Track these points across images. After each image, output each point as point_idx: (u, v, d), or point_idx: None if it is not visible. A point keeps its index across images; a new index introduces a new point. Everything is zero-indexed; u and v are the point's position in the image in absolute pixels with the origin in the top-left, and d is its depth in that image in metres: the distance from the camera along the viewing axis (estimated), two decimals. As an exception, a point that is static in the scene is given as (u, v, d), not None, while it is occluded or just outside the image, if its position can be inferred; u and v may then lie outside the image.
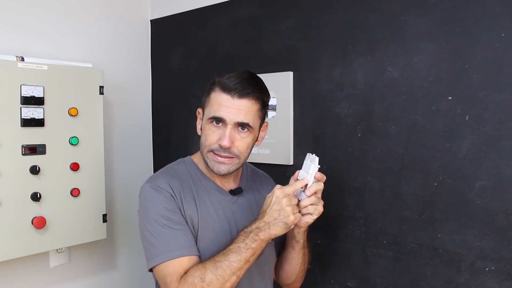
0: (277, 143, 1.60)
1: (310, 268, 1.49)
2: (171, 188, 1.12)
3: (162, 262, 1.06)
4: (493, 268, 1.15)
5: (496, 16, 1.14)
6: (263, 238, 1.03)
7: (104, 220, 1.72)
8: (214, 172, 1.14)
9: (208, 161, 1.14)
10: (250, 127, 1.12)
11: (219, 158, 1.12)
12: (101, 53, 1.87)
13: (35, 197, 1.50)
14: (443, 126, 1.22)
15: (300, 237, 1.18)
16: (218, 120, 1.10)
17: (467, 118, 1.18)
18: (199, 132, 1.19)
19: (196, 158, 1.23)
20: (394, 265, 1.32)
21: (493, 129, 1.14)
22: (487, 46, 1.15)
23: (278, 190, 1.05)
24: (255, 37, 1.67)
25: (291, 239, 1.20)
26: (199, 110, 1.21)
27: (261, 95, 1.14)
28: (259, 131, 1.19)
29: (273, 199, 1.04)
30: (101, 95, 1.70)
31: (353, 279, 1.42)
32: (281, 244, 1.29)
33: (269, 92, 1.62)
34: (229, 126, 1.10)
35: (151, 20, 2.08)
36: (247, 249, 1.02)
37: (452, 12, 1.20)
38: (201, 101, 1.86)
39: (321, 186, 1.09)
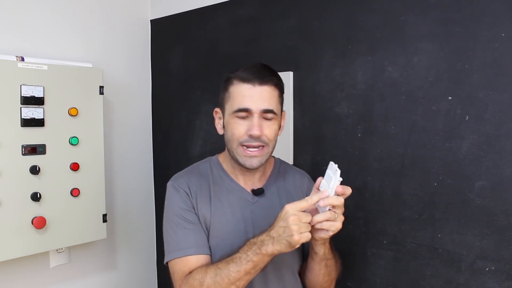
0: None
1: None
2: (188, 187, 1.14)
3: (172, 259, 1.10)
4: (493, 268, 1.15)
5: (496, 16, 1.14)
6: (265, 253, 0.98)
7: (104, 220, 1.72)
8: (246, 167, 1.12)
9: (238, 157, 1.12)
10: (275, 114, 1.12)
11: (250, 152, 1.10)
12: (101, 53, 1.87)
13: (35, 197, 1.50)
14: (443, 126, 1.22)
15: (318, 248, 1.09)
16: (244, 111, 1.09)
17: (467, 118, 1.18)
18: (220, 131, 1.18)
19: (221, 157, 1.23)
20: (394, 265, 1.32)
21: (493, 129, 1.14)
22: (487, 46, 1.15)
23: (289, 205, 0.98)
24: (255, 37, 1.67)
25: (311, 249, 1.13)
26: (217, 109, 1.19)
27: (279, 81, 1.15)
28: (280, 124, 1.18)
29: (282, 215, 0.98)
30: (101, 95, 1.70)
31: (353, 279, 1.42)
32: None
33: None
34: (256, 115, 1.09)
35: (151, 20, 2.08)
36: (248, 261, 0.99)
37: (452, 12, 1.20)
38: (200, 101, 1.87)
39: (340, 201, 0.99)
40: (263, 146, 1.11)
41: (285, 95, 1.55)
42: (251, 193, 1.18)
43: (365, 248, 1.38)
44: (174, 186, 1.16)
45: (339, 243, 1.44)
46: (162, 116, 2.07)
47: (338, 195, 1.00)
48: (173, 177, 1.19)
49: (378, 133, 1.35)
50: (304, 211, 0.99)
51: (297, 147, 1.56)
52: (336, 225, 1.00)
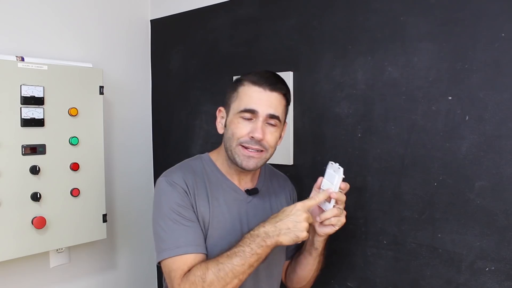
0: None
1: (310, 268, 1.49)
2: (186, 184, 1.12)
3: (169, 257, 1.06)
4: (493, 268, 1.15)
5: (496, 16, 1.14)
6: (269, 245, 1.01)
7: (104, 220, 1.72)
8: (242, 168, 1.13)
9: (236, 156, 1.12)
10: (279, 121, 1.13)
11: (249, 152, 1.11)
12: (101, 53, 1.87)
13: (35, 197, 1.50)
14: (443, 126, 1.22)
15: (319, 244, 1.17)
16: (250, 112, 1.09)
17: (467, 118, 1.18)
18: (221, 130, 1.18)
19: (213, 155, 1.22)
20: (394, 265, 1.32)
21: (493, 129, 1.14)
22: (487, 46, 1.15)
23: (300, 203, 1.04)
24: (255, 37, 1.67)
25: (310, 246, 1.19)
26: (221, 108, 1.19)
27: (288, 92, 1.16)
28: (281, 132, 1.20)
29: (293, 211, 1.02)
30: (101, 95, 1.70)
31: (353, 279, 1.42)
32: (294, 248, 1.30)
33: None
34: (261, 119, 1.10)
35: (151, 20, 2.08)
36: (252, 254, 1.01)
37: (452, 12, 1.20)
38: (200, 101, 1.87)
39: (343, 197, 1.09)
40: (261, 150, 1.12)
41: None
42: (245, 193, 1.20)
43: (365, 248, 1.38)
44: (169, 182, 1.12)
45: (339, 243, 1.44)
46: (162, 116, 2.07)
47: (340, 191, 1.09)
48: (165, 173, 1.16)
49: (378, 133, 1.35)
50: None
51: (297, 147, 1.56)
52: (342, 220, 1.09)
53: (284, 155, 1.58)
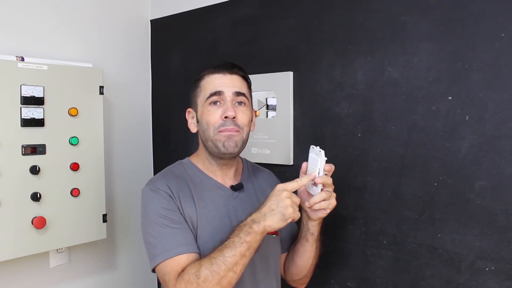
0: (277, 143, 1.60)
1: (310, 268, 1.49)
2: (169, 189, 1.13)
3: (161, 261, 1.06)
4: (493, 268, 1.15)
5: (496, 16, 1.14)
6: (257, 231, 0.99)
7: (104, 220, 1.72)
8: (226, 152, 1.13)
9: (217, 142, 1.13)
10: (246, 98, 1.17)
11: (228, 132, 1.12)
12: (101, 53, 1.87)
13: (35, 197, 1.50)
14: (443, 126, 1.22)
15: (314, 229, 1.17)
16: (216, 94, 1.13)
17: (467, 118, 1.18)
18: (194, 129, 1.21)
19: (194, 158, 1.24)
20: (394, 265, 1.32)
21: (493, 129, 1.14)
22: (487, 46, 1.15)
23: (280, 185, 1.04)
24: (255, 37, 1.67)
25: (306, 231, 1.19)
26: (189, 109, 1.22)
27: (246, 74, 1.20)
28: (252, 114, 1.22)
29: (274, 193, 1.03)
30: (101, 95, 1.70)
31: (353, 279, 1.42)
32: (289, 239, 1.29)
33: (269, 92, 1.63)
34: (228, 99, 1.13)
35: (151, 20, 2.08)
36: (242, 243, 1.00)
37: (452, 12, 1.20)
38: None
39: (329, 180, 1.07)
40: (237, 130, 1.14)
41: (285, 95, 1.56)
42: (230, 189, 1.20)
43: (365, 248, 1.38)
44: (152, 189, 1.13)
45: (339, 243, 1.44)
46: (162, 116, 2.07)
47: (326, 173, 1.07)
48: (148, 182, 1.18)
49: (378, 133, 1.35)
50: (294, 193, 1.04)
51: (297, 147, 1.56)
52: (332, 203, 1.08)
53: (284, 155, 1.58)
